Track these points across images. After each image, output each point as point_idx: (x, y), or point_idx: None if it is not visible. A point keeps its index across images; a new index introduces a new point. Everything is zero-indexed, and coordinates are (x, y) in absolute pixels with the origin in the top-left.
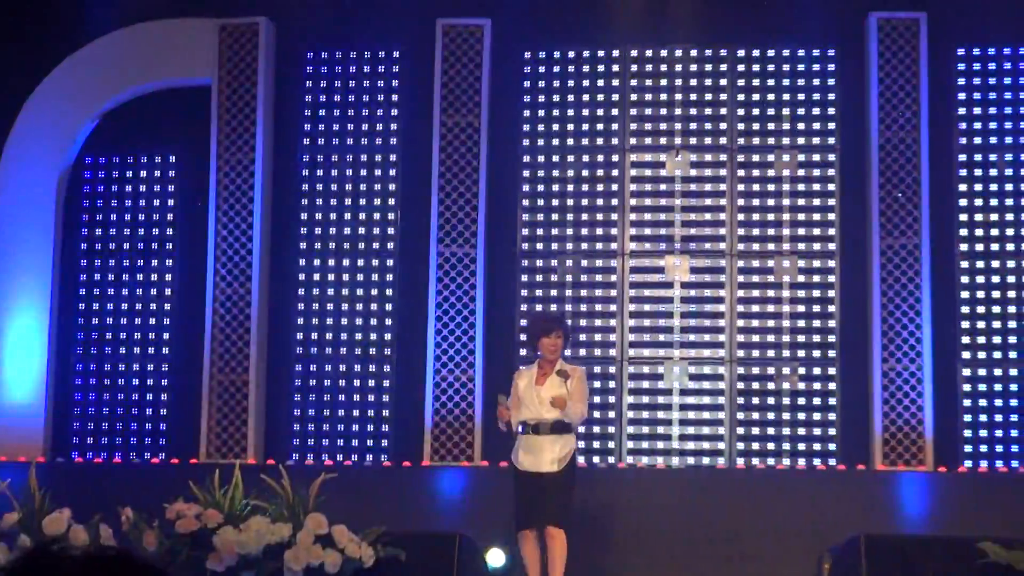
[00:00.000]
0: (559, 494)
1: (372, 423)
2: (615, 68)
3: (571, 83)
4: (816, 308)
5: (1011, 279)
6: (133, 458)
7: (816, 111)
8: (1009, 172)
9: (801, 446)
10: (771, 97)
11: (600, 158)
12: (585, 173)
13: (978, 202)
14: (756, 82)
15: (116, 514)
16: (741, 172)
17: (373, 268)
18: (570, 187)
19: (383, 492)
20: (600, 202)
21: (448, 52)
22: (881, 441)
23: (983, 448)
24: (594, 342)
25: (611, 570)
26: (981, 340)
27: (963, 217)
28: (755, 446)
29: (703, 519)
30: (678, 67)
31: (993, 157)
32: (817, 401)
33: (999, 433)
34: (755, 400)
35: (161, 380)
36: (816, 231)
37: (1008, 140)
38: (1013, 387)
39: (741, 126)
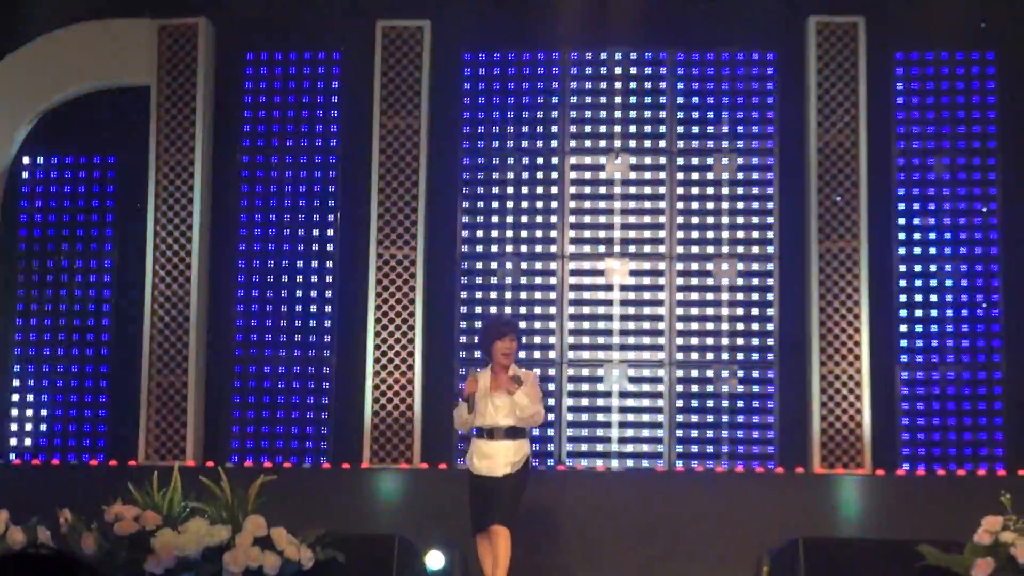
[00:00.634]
0: (508, 495)
1: (311, 425)
2: (555, 70)
3: (511, 85)
4: (755, 311)
5: (948, 282)
6: (71, 460)
7: (755, 114)
8: (947, 176)
9: (740, 449)
10: (710, 100)
11: (540, 160)
12: (525, 175)
13: (916, 206)
14: (696, 85)
15: (54, 516)
16: (680, 175)
17: (312, 269)
18: (510, 189)
19: (322, 494)
20: (540, 204)
21: (387, 53)
22: (819, 444)
23: (921, 451)
24: (533, 344)
25: (551, 572)
26: (919, 343)
27: (901, 220)
28: (694, 448)
29: (642, 521)
30: (618, 70)
31: (931, 161)
32: (756, 404)
33: (937, 436)
34: (694, 403)
35: (99, 381)
36: (755, 234)
37: (946, 144)
38: (951, 390)
39: (680, 129)
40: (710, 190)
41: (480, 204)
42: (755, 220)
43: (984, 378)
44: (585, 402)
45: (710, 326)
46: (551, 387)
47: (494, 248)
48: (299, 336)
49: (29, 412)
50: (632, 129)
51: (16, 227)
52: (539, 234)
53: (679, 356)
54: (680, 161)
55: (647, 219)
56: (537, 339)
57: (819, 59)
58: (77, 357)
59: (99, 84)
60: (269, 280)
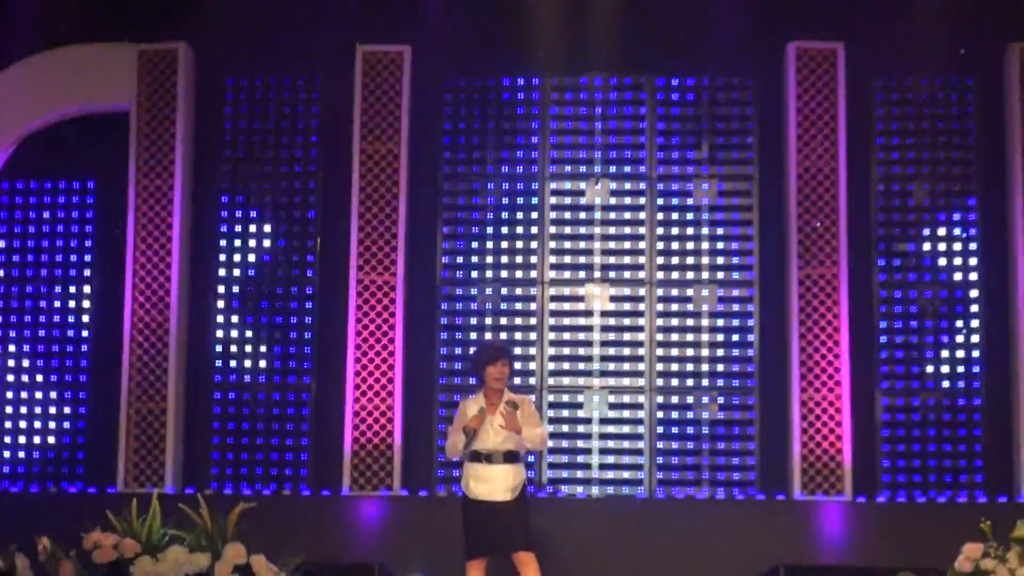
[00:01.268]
0: (519, 521)
1: (291, 452)
2: (535, 96)
3: (491, 110)
4: (735, 337)
5: (929, 308)
6: (50, 487)
7: (735, 139)
8: (926, 201)
9: (720, 475)
10: (690, 126)
11: (520, 186)
12: (505, 201)
13: (896, 231)
14: (675, 111)
15: (33, 543)
16: (660, 201)
17: (292, 296)
18: (490, 215)
19: (302, 521)
20: (520, 230)
21: (368, 78)
22: (800, 470)
23: (901, 478)
24: (514, 371)
25: None
26: (899, 370)
27: (881, 247)
28: (675, 475)
29: (623, 548)
30: (598, 96)
31: (911, 187)
32: (737, 430)
33: (917, 463)
34: (675, 429)
35: (78, 408)
36: (735, 260)
37: (926, 169)
38: (931, 417)
39: (660, 155)
40: (690, 215)
41: (460, 230)
42: (735, 246)
43: (964, 404)
44: (566, 428)
45: (690, 352)
46: None
47: (474, 274)
48: (279, 362)
49: (7, 439)
50: (612, 155)
51: None
52: (519, 260)
53: (659, 382)
54: (660, 187)
55: (627, 245)
56: (518, 365)
57: (798, 85)
58: (56, 383)
59: (79, 109)
60: (249, 306)
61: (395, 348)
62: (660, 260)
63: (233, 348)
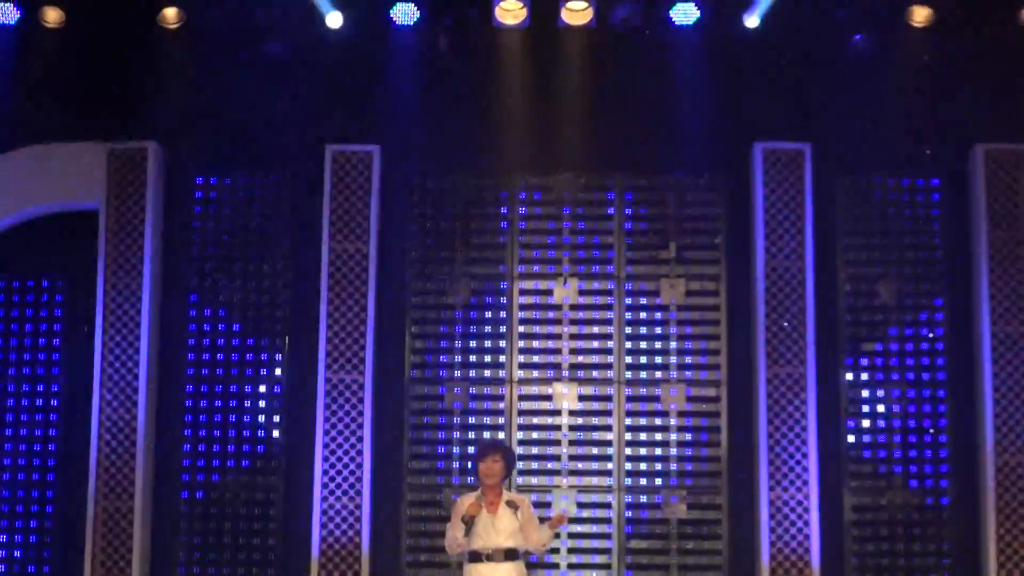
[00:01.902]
0: None
1: (258, 552)
2: (503, 195)
3: (460, 210)
4: (703, 436)
5: (896, 408)
6: None
7: (703, 239)
8: (893, 301)
9: (690, 574)
10: (658, 225)
11: (488, 285)
12: (474, 300)
13: (863, 331)
14: (643, 210)
15: None
16: (629, 300)
17: (261, 395)
18: (458, 313)
19: None
20: (488, 329)
21: (337, 178)
22: (768, 570)
23: None
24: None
25: None
26: (867, 469)
27: (848, 346)
28: (643, 573)
29: None
30: (566, 195)
31: (878, 287)
32: (705, 529)
33: (886, 562)
34: (643, 528)
35: (45, 507)
36: (703, 359)
37: (893, 270)
38: (899, 516)
39: (629, 254)
40: (658, 315)
41: (429, 329)
42: (703, 345)
43: (932, 504)
44: None
45: (659, 451)
46: None
47: (443, 373)
48: (247, 461)
49: None
50: (580, 254)
51: None
52: (488, 359)
53: (628, 481)
54: (628, 286)
55: (595, 344)
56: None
57: (766, 185)
58: (23, 482)
59: (49, 208)
60: (217, 404)
61: (363, 447)
62: (628, 359)
63: (201, 447)
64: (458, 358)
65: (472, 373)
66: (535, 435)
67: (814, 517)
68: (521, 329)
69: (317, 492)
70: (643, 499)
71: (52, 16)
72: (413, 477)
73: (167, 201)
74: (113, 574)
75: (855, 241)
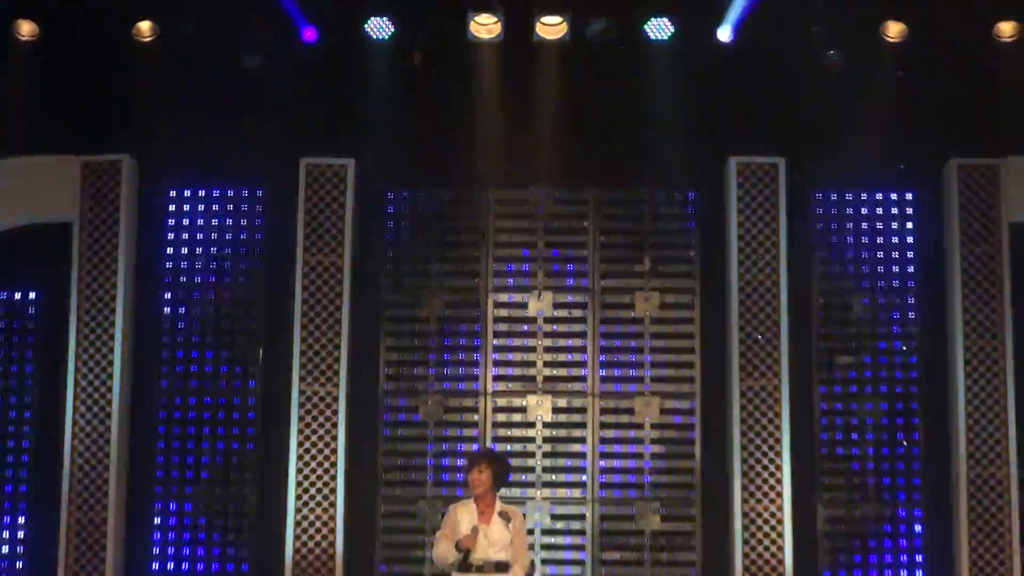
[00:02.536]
0: None
1: (232, 562)
2: (478, 208)
3: (434, 223)
4: (677, 448)
5: (869, 420)
6: None
7: (677, 252)
8: (867, 314)
9: None
10: (633, 239)
11: (463, 298)
12: (448, 313)
13: (837, 344)
14: (618, 224)
15: None
16: (603, 313)
17: (234, 407)
18: (433, 326)
19: None
20: (463, 341)
21: (311, 191)
22: None
23: None
24: (456, 482)
25: None
26: (840, 481)
27: (822, 359)
28: None
29: None
30: (540, 208)
31: (851, 299)
32: (679, 540)
33: (858, 573)
34: (617, 539)
35: (18, 518)
36: (677, 372)
37: (866, 283)
38: (872, 527)
39: (603, 267)
40: (632, 328)
41: (403, 341)
42: (677, 358)
43: (904, 516)
44: None
45: (632, 463)
46: None
47: (417, 385)
48: (220, 473)
49: None
50: (555, 267)
51: None
52: (462, 371)
53: (602, 493)
54: (603, 299)
55: (570, 357)
56: (460, 476)
57: (740, 199)
58: None
59: (22, 220)
60: (190, 416)
61: (337, 458)
62: (603, 372)
63: (174, 458)
64: (432, 370)
65: (447, 385)
66: (509, 447)
67: (787, 529)
68: (495, 342)
69: (291, 504)
70: (617, 511)
71: (26, 29)
72: (388, 488)
73: (141, 213)
74: None
75: (829, 255)
